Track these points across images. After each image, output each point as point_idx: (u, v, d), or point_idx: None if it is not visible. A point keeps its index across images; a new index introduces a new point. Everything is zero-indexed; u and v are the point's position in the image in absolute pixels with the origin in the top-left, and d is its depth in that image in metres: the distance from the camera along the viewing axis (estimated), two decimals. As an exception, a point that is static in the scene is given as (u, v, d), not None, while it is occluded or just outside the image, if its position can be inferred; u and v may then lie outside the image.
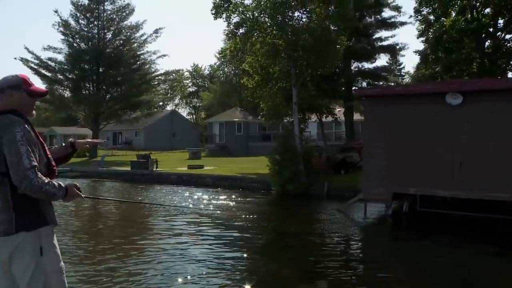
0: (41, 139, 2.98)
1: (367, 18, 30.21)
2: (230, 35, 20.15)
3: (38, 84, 37.43)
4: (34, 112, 3.11)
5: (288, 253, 8.95)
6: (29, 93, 3.00)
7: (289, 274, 7.40)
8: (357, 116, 33.54)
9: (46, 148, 3.04)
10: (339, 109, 30.67)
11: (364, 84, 30.93)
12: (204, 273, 7.09)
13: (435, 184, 11.48)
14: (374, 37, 31.21)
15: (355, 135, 30.92)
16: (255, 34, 19.46)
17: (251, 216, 13.16)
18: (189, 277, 6.86)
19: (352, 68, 29.66)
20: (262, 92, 21.23)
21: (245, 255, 8.61)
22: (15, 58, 56.39)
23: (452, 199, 12.24)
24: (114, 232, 11.09)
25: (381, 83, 31.10)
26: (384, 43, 31.63)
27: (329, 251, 9.10)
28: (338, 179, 18.88)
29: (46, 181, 2.75)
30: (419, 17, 26.92)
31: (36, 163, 2.75)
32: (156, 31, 42.00)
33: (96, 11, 40.76)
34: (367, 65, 31.04)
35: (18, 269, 2.80)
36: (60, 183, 2.87)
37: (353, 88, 29.10)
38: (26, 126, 2.83)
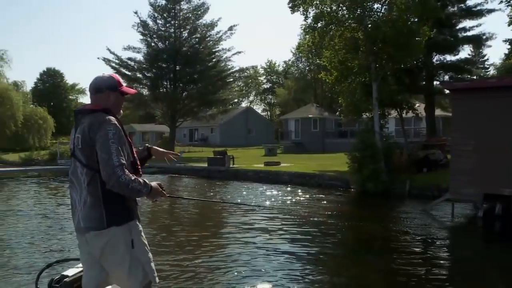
0: (129, 139, 3.08)
1: (449, 7, 28.53)
2: (307, 29, 19.76)
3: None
4: (121, 111, 3.25)
5: (370, 256, 8.51)
6: (122, 93, 3.17)
7: (371, 279, 7.01)
8: (438, 112, 32.00)
9: (133, 147, 3.14)
10: (418, 105, 29.31)
11: (446, 77, 29.35)
12: (281, 274, 6.85)
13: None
14: (457, 27, 29.47)
15: (437, 132, 29.52)
16: (333, 28, 18.95)
17: (330, 215, 12.79)
18: (265, 277, 6.66)
19: (433, 61, 28.19)
20: (341, 87, 20.67)
21: (324, 256, 8.28)
22: (98, 58, 59.04)
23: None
24: (192, 227, 11.12)
25: (465, 76, 29.35)
26: (469, 33, 29.77)
27: (413, 254, 8.53)
28: (421, 177, 18.01)
29: (133, 178, 2.83)
30: (512, 2, 24.88)
31: (124, 161, 2.85)
32: (230, 28, 42.31)
33: (173, 10, 41.66)
34: (449, 58, 29.39)
35: (114, 263, 2.95)
36: (146, 180, 2.96)
37: (435, 82, 27.72)
38: (117, 125, 2.94)
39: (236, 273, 6.88)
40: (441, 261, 8.33)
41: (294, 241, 9.36)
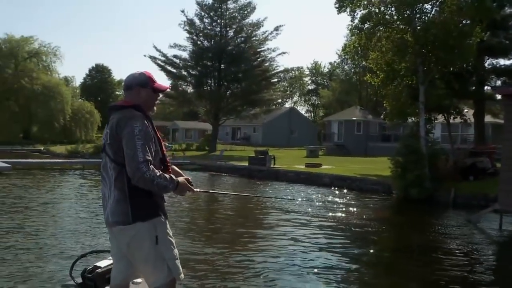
0: (158, 136, 3.11)
1: (506, 8, 27.21)
2: (354, 30, 19.37)
3: (164, 80, 39.45)
4: (155, 108, 3.28)
5: (410, 267, 8.15)
6: (154, 90, 3.18)
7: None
8: (488, 118, 30.83)
9: (163, 144, 3.16)
10: (467, 110, 28.26)
11: (499, 83, 28.13)
12: (315, 281, 6.63)
13: None
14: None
15: (485, 139, 28.39)
16: (381, 29, 18.49)
17: (370, 221, 12.43)
18: (297, 283, 6.44)
19: (485, 65, 27.05)
20: (387, 90, 20.16)
21: (360, 264, 7.98)
22: (144, 56, 60.02)
23: None
24: (224, 223, 11.03)
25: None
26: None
27: (456, 266, 8.04)
28: (467, 186, 17.33)
29: (158, 174, 2.85)
30: None
31: (150, 158, 2.85)
32: (276, 29, 42.26)
33: (219, 10, 41.88)
34: (503, 62, 28.09)
35: (139, 258, 2.99)
36: (172, 176, 2.98)
37: (486, 87, 26.62)
38: (145, 121, 2.96)
39: (265, 276, 6.72)
40: (485, 276, 7.85)
41: (332, 246, 9.10)
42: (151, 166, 2.83)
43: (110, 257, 3.70)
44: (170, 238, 3.08)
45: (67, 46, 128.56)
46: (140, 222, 2.92)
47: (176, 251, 3.09)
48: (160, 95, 3.46)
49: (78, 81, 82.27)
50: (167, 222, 3.11)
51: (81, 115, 57.53)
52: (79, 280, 3.81)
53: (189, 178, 3.17)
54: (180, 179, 3.07)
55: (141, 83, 3.11)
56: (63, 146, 43.68)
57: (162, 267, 2.97)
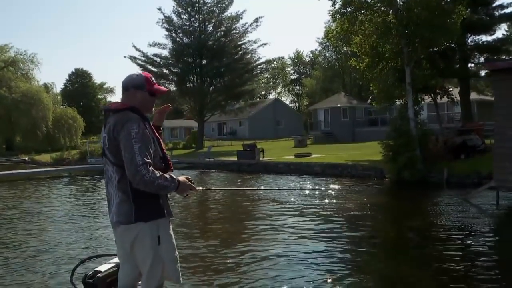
0: (157, 135, 3.12)
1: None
2: (336, 15, 19.10)
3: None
4: (153, 109, 3.26)
5: (413, 251, 7.96)
6: (151, 92, 3.13)
7: (416, 276, 6.47)
8: (473, 95, 30.83)
9: (162, 143, 3.15)
10: (452, 89, 28.24)
11: (482, 59, 28.05)
12: (316, 274, 6.40)
13: None
14: (494, 5, 27.98)
15: (472, 116, 28.42)
16: (363, 12, 18.26)
17: (366, 207, 12.25)
18: (299, 278, 6.20)
19: (468, 42, 26.94)
20: (372, 74, 19.95)
21: (362, 252, 7.77)
22: (124, 57, 59.48)
23: None
24: (221, 220, 10.77)
25: (502, 57, 27.95)
26: (507, 10, 28.13)
27: (459, 248, 7.89)
28: (459, 164, 17.27)
29: (158, 175, 2.84)
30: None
31: (149, 160, 2.85)
32: (256, 20, 42.05)
33: (197, 4, 41.47)
34: (485, 38, 27.96)
35: (140, 256, 3.00)
36: (172, 175, 2.97)
37: (469, 64, 26.58)
38: (141, 123, 2.93)
39: (264, 271, 6.53)
40: (487, 256, 7.67)
41: (329, 234, 8.87)
42: (151, 168, 2.82)
43: (111, 261, 3.82)
44: (173, 240, 3.10)
45: (44, 53, 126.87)
46: (142, 222, 2.93)
47: (177, 253, 3.11)
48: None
49: (58, 87, 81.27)
50: (171, 224, 3.13)
51: (64, 122, 56.60)
52: (81, 286, 3.81)
53: (189, 177, 3.15)
54: (181, 178, 3.04)
55: (136, 85, 3.08)
56: (48, 154, 42.98)
57: (156, 271, 2.99)
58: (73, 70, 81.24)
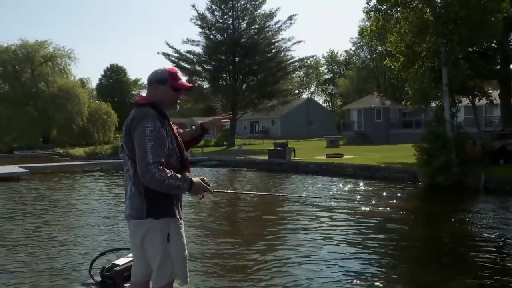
0: (175, 133, 3.09)
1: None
2: (371, 12, 18.59)
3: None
4: (178, 106, 3.20)
5: (444, 258, 7.50)
6: (174, 88, 3.09)
7: (447, 285, 6.09)
8: (514, 98, 29.69)
9: (180, 143, 3.12)
10: (491, 91, 27.24)
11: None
12: (345, 276, 6.13)
13: None
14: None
15: (513, 120, 27.33)
16: (399, 10, 17.71)
17: (398, 211, 11.78)
18: (327, 282, 5.93)
19: (510, 41, 25.85)
20: (407, 74, 19.35)
21: (393, 260, 7.36)
22: (157, 53, 59.89)
23: None
24: (241, 223, 10.54)
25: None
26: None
27: (494, 258, 7.31)
28: (497, 170, 16.51)
29: (169, 174, 2.80)
30: None
31: (161, 159, 2.82)
32: (290, 18, 41.72)
33: (231, 2, 41.40)
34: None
35: (150, 252, 2.99)
36: (186, 176, 2.96)
37: (511, 65, 25.50)
38: (157, 121, 2.90)
39: (289, 276, 6.22)
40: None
41: (360, 240, 8.49)
42: (162, 167, 2.80)
43: (129, 255, 3.93)
44: (183, 239, 3.08)
45: (81, 48, 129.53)
46: (153, 218, 2.93)
47: (186, 253, 3.09)
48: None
49: (93, 82, 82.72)
50: (182, 222, 3.10)
51: (98, 117, 57.70)
52: (98, 278, 3.87)
53: (205, 178, 3.09)
54: (195, 179, 3.00)
55: (159, 80, 3.06)
56: (82, 148, 43.76)
57: (166, 268, 2.98)
58: (108, 66, 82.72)
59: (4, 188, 17.55)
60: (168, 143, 2.94)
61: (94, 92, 69.40)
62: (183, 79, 3.18)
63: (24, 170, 22.03)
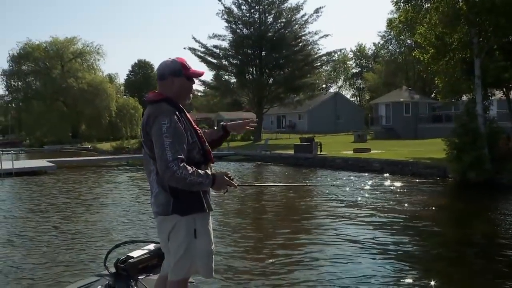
0: (194, 126, 3.00)
1: None
2: (399, 3, 18.06)
3: (205, 71, 39.34)
4: (191, 95, 3.13)
5: (474, 259, 7.21)
6: (188, 77, 3.01)
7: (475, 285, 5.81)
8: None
9: (201, 134, 3.03)
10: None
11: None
12: (375, 279, 5.85)
13: None
14: None
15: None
16: (429, 0, 17.15)
17: (428, 209, 11.37)
18: (351, 278, 5.78)
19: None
20: (438, 66, 18.74)
21: (421, 259, 7.07)
22: (184, 48, 60.12)
23: None
24: (265, 217, 10.31)
25: None
26: None
27: None
28: (532, 166, 15.90)
29: (191, 171, 2.74)
30: None
31: (181, 155, 2.75)
32: (316, 11, 41.21)
33: (257, -5, 41.02)
34: None
35: (173, 247, 2.95)
36: (207, 171, 2.87)
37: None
38: (174, 116, 2.82)
39: (317, 274, 6.05)
40: None
41: (388, 239, 8.18)
42: (182, 164, 2.72)
43: (144, 247, 4.03)
44: (210, 235, 3.02)
45: (109, 44, 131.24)
46: (178, 215, 2.88)
47: (213, 247, 3.04)
48: (198, 84, 2.95)
49: (121, 78, 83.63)
50: (210, 217, 3.06)
51: (126, 111, 58.40)
52: (113, 269, 3.88)
53: (228, 173, 2.98)
54: (218, 174, 2.92)
55: (174, 72, 2.96)
56: (109, 143, 44.29)
57: (183, 265, 2.95)
58: (136, 61, 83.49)
59: (32, 182, 17.99)
60: (187, 137, 2.87)
61: (122, 87, 70.22)
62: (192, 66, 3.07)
63: (51, 164, 22.50)
